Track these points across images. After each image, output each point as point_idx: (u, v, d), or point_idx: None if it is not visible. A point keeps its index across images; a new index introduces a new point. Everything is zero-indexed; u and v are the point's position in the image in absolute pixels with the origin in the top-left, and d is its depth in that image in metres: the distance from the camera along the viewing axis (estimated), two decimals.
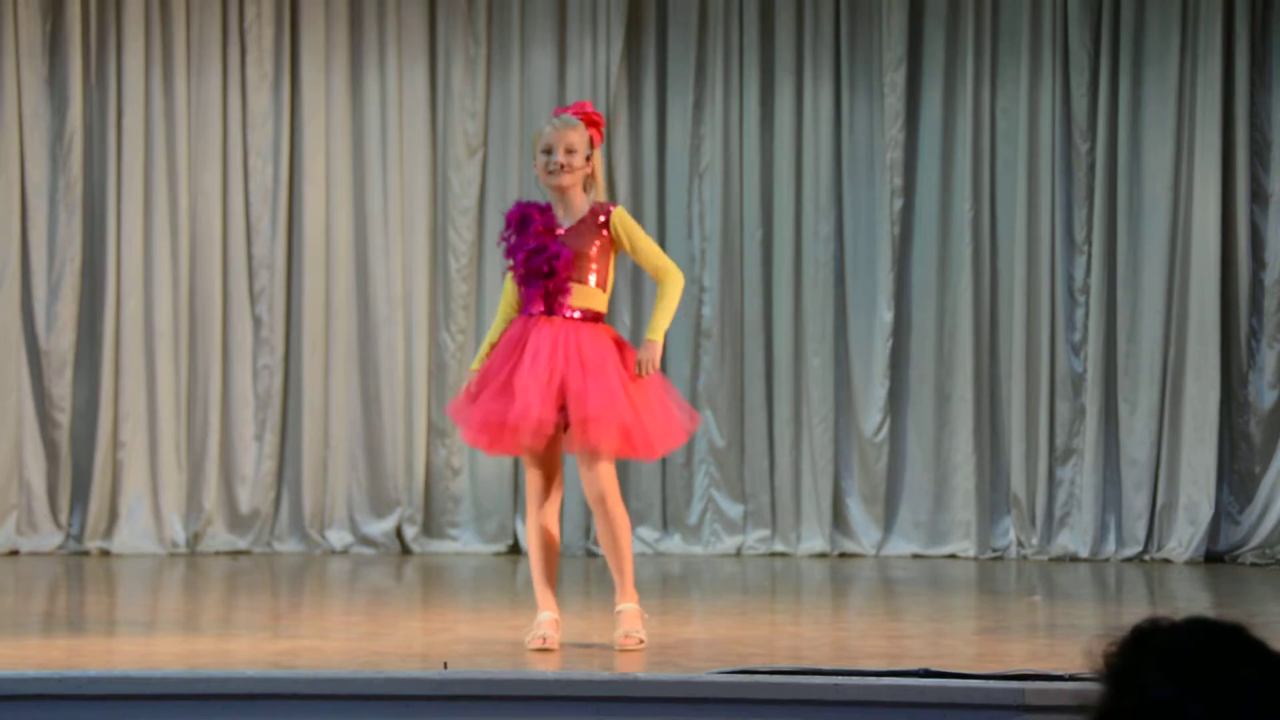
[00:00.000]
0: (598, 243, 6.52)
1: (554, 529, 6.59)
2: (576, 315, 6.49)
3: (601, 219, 6.54)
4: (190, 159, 10.12)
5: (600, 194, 6.64)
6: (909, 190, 10.12)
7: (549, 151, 6.54)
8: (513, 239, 6.56)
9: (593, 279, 6.50)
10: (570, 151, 6.52)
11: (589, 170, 6.59)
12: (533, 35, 10.23)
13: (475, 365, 6.64)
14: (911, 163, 10.12)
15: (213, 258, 10.12)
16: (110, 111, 10.09)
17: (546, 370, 6.39)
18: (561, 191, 6.55)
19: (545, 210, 6.58)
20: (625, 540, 6.53)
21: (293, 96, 10.21)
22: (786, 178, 10.15)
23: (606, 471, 6.45)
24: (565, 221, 6.56)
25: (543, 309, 6.48)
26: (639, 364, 6.46)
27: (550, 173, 6.52)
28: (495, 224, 10.17)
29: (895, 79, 10.07)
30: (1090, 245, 9.95)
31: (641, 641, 6.45)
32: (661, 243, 10.11)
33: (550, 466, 6.53)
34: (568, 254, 6.46)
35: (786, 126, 10.16)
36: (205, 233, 10.13)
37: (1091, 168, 9.96)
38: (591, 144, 6.60)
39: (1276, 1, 9.91)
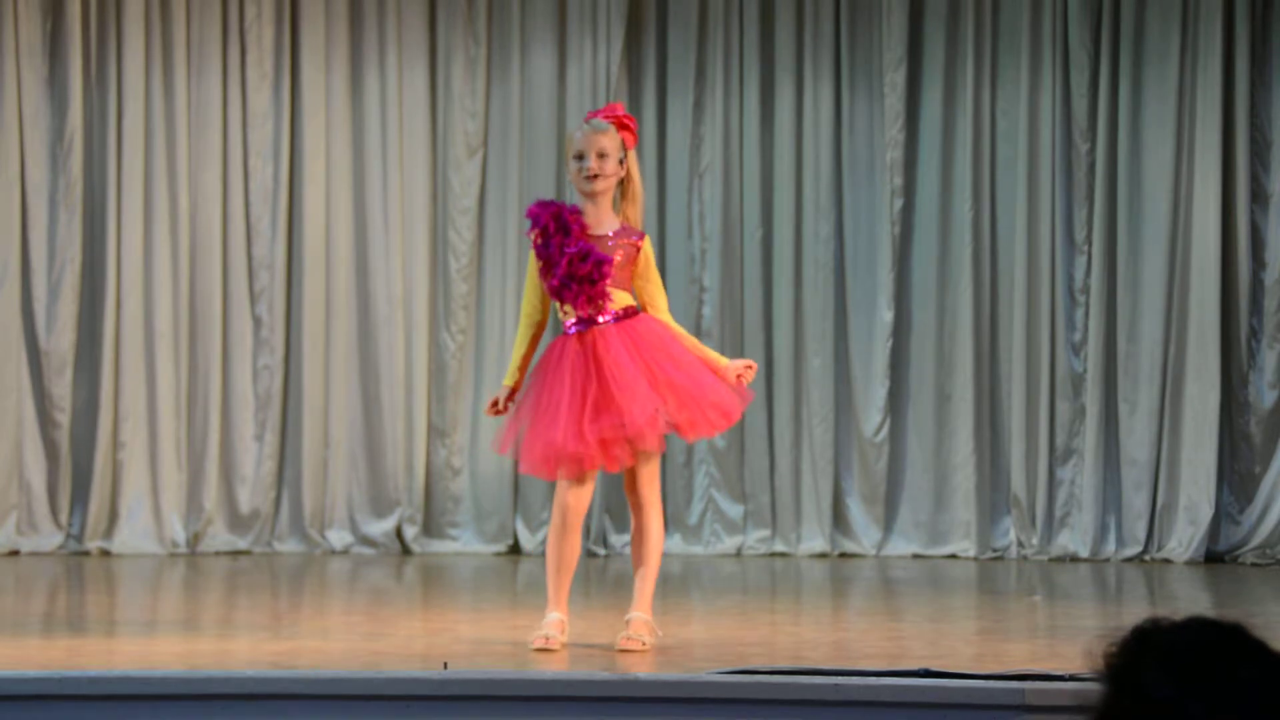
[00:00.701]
0: (621, 254, 6.46)
1: (579, 541, 6.56)
2: (621, 315, 6.45)
3: (633, 239, 6.50)
4: (190, 159, 10.12)
5: (639, 203, 6.56)
6: (909, 190, 10.12)
7: (580, 157, 6.47)
8: (551, 241, 6.44)
9: (615, 283, 6.46)
10: (602, 156, 6.45)
11: (622, 174, 6.52)
12: (533, 35, 10.23)
13: (508, 380, 6.53)
14: (911, 163, 10.12)
15: (213, 258, 10.12)
16: (110, 111, 10.09)
17: (638, 373, 6.35)
18: (594, 197, 6.48)
19: (575, 212, 6.50)
20: (657, 554, 6.51)
21: (293, 96, 10.21)
22: (786, 178, 10.15)
23: (656, 473, 6.48)
24: (594, 227, 6.48)
25: (584, 315, 6.41)
26: (742, 375, 6.53)
27: (585, 179, 6.45)
28: (495, 224, 10.18)
29: (895, 79, 10.07)
30: (1090, 245, 9.95)
31: (645, 645, 6.40)
32: (661, 242, 10.12)
33: (589, 484, 6.48)
34: (610, 259, 6.41)
35: (786, 126, 10.16)
36: (205, 233, 10.13)
37: (1091, 168, 9.96)
38: (624, 147, 6.52)
39: (1276, 1, 9.91)
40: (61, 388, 10.02)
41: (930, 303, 10.11)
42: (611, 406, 6.31)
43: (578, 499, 6.43)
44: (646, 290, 6.55)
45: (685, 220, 10.19)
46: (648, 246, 6.54)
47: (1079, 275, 9.99)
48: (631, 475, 6.46)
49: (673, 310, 9.96)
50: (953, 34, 10.10)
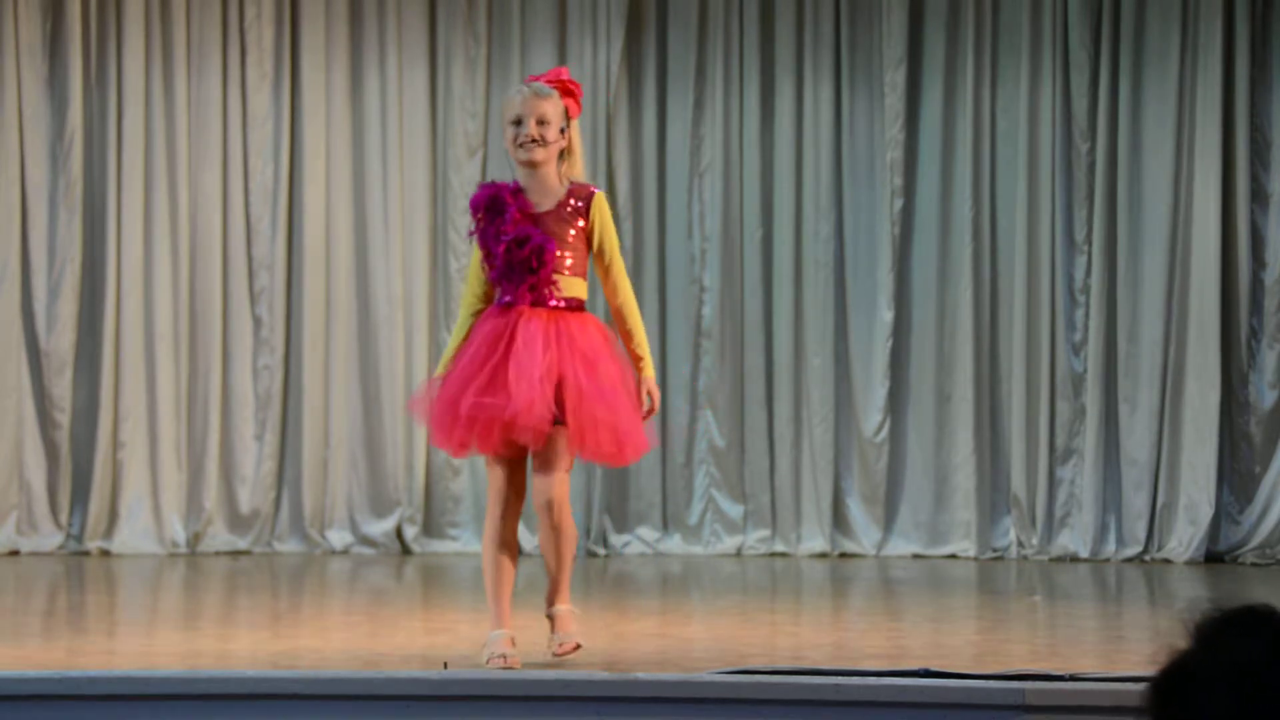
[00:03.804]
0: (573, 231, 5.90)
1: (516, 537, 6.10)
2: (561, 305, 5.90)
3: (580, 204, 5.92)
4: (190, 159, 10.12)
5: (579, 171, 6.00)
6: (909, 190, 10.12)
7: (518, 123, 5.88)
8: (486, 227, 5.89)
9: (569, 268, 5.90)
10: (542, 123, 5.86)
11: (564, 144, 5.93)
12: (533, 35, 10.23)
13: (440, 370, 6.01)
14: (911, 163, 10.12)
15: (213, 258, 10.12)
16: (110, 111, 10.09)
17: (542, 363, 5.78)
18: (533, 168, 5.90)
19: (516, 192, 5.92)
20: (571, 550, 6.02)
21: (293, 96, 10.22)
22: (786, 178, 10.15)
23: (565, 479, 5.94)
24: (539, 203, 5.92)
25: (528, 302, 5.85)
26: (647, 400, 5.93)
27: (520, 146, 5.87)
28: None
29: (895, 79, 10.07)
30: (1090, 245, 9.96)
31: (578, 646, 5.99)
32: (661, 243, 10.12)
33: (522, 470, 6.00)
34: (553, 244, 5.83)
35: (786, 126, 10.16)
36: (205, 233, 10.13)
37: (1091, 168, 9.96)
38: (567, 115, 5.93)
39: (1277, 2, 9.91)
40: (61, 388, 10.02)
41: (930, 303, 10.11)
42: (502, 387, 5.77)
43: (500, 482, 5.96)
44: (605, 272, 5.98)
45: (685, 220, 10.19)
46: (601, 203, 5.94)
47: (1079, 275, 9.99)
48: (540, 472, 5.89)
49: (673, 310, 10.11)
50: (953, 34, 10.10)
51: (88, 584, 9.07)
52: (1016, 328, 9.96)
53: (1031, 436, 9.95)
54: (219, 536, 10.09)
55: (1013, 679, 5.41)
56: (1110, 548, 9.89)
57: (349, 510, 10.15)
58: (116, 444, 10.03)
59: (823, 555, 10.04)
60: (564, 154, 5.97)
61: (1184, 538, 9.81)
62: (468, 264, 10.13)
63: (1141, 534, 9.86)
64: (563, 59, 10.20)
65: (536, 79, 6.04)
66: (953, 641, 6.82)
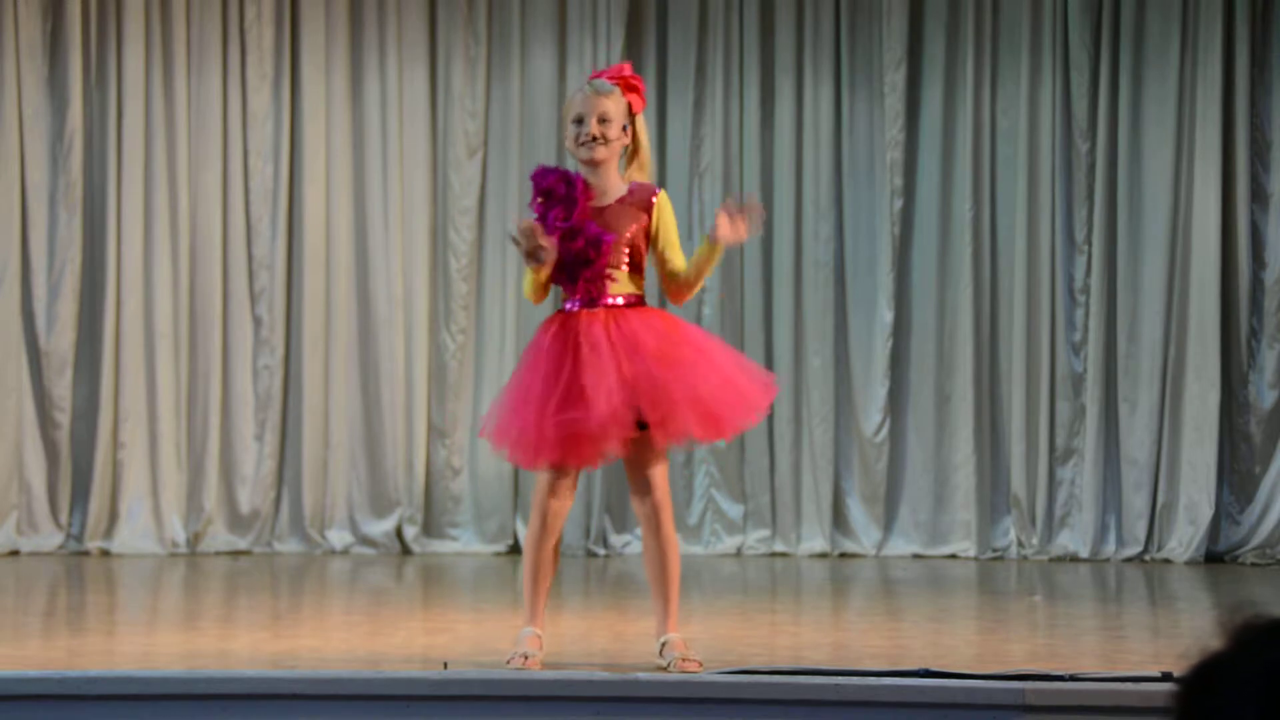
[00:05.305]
0: (636, 226, 5.81)
1: (559, 541, 5.99)
2: (620, 302, 5.79)
3: (642, 201, 5.83)
4: (190, 159, 10.12)
5: (646, 170, 5.93)
6: (909, 190, 10.12)
7: (580, 121, 5.78)
8: (550, 212, 5.76)
9: (627, 265, 5.81)
10: (604, 121, 5.76)
11: (626, 141, 5.84)
12: (533, 35, 10.23)
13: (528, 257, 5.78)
14: (911, 163, 10.12)
15: (213, 258, 10.12)
16: (110, 111, 10.09)
17: (612, 365, 5.66)
18: (594, 166, 5.79)
19: (581, 183, 5.81)
20: (677, 565, 5.91)
21: (293, 96, 10.22)
22: (786, 178, 10.15)
23: (664, 479, 5.89)
24: (600, 200, 5.82)
25: (580, 300, 5.77)
26: (749, 215, 5.75)
27: (582, 144, 5.77)
28: (496, 224, 10.18)
29: (895, 79, 10.08)
30: (1090, 245, 9.96)
31: (700, 665, 5.75)
32: None
33: (576, 477, 5.91)
34: (610, 238, 5.74)
35: (786, 126, 10.16)
36: (205, 233, 10.13)
37: (1091, 168, 9.97)
38: (630, 112, 5.83)
39: (1277, 2, 9.91)
40: (61, 388, 10.02)
41: (930, 303, 10.11)
42: (581, 399, 5.66)
43: (554, 488, 5.82)
44: (665, 263, 5.85)
45: (685, 220, 10.17)
46: (664, 201, 5.85)
47: (1079, 275, 9.99)
48: (636, 481, 5.89)
49: (672, 311, 10.08)
50: (953, 34, 10.10)
51: (88, 584, 9.06)
52: (1016, 328, 9.97)
53: (1031, 436, 9.96)
54: (219, 536, 10.09)
55: (1013, 679, 5.40)
56: (1110, 548, 9.89)
57: (349, 510, 10.15)
58: (116, 444, 10.03)
59: (823, 555, 10.04)
60: (627, 151, 5.88)
61: (1184, 538, 9.81)
62: (467, 264, 10.19)
63: (1141, 534, 9.86)
64: (563, 59, 10.21)
65: (598, 75, 5.94)
66: (953, 641, 6.82)
